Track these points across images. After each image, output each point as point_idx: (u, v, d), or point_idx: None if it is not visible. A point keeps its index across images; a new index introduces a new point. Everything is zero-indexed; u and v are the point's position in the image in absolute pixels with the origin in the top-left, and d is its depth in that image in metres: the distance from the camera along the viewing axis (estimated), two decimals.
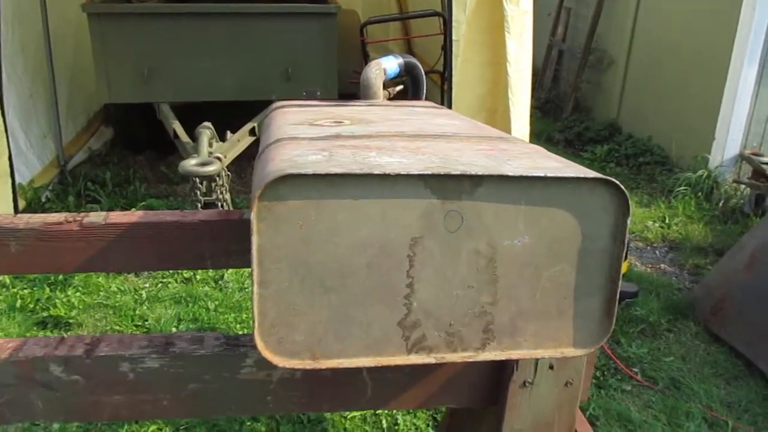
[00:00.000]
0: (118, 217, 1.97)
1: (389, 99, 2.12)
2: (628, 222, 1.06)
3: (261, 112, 4.24)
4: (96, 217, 1.97)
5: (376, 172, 0.96)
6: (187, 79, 4.21)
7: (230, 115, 4.19)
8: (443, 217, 1.02)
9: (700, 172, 4.52)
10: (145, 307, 3.25)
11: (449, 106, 4.72)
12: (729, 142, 4.55)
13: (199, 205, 3.40)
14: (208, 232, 1.95)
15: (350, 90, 5.25)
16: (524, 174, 1.01)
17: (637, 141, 5.65)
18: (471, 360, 1.09)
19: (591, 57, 6.43)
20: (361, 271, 1.02)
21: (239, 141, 3.85)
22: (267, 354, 1.01)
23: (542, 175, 1.02)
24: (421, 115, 1.73)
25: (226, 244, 1.98)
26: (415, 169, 0.98)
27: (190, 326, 3.09)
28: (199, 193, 3.39)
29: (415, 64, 2.18)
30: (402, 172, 0.97)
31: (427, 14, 4.04)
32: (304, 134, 1.31)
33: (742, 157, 4.56)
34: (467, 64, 3.69)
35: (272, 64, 4.27)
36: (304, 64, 4.31)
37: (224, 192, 3.47)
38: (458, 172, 0.99)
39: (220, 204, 3.45)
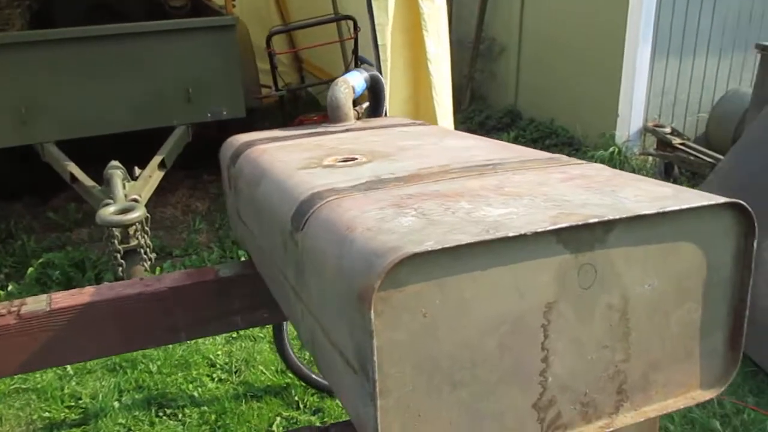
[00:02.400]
0: (64, 299, 1.64)
1: (358, 118, 1.91)
2: (755, 245, 0.95)
3: (167, 141, 3.86)
4: (36, 303, 1.62)
5: (512, 234, 0.78)
6: (75, 113, 3.72)
7: (123, 149, 3.75)
8: (577, 273, 0.86)
9: (611, 149, 4.67)
10: (74, 383, 2.82)
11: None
12: (633, 117, 4.74)
13: (119, 255, 3.00)
14: (178, 300, 1.67)
15: (254, 105, 4.96)
16: (659, 211, 0.87)
17: (540, 125, 5.78)
18: (608, 430, 0.94)
19: (481, 46, 6.50)
20: (493, 355, 0.83)
21: (150, 177, 3.45)
22: None
23: (676, 209, 0.88)
24: (427, 136, 1.54)
25: (203, 310, 1.71)
26: (546, 224, 0.81)
27: (136, 396, 2.71)
28: (116, 242, 2.99)
29: (378, 77, 1.99)
30: (536, 230, 0.79)
31: (336, 19, 3.84)
32: (336, 183, 1.09)
33: (646, 130, 4.76)
34: (391, 68, 3.53)
35: (170, 86, 3.88)
36: (205, 83, 3.96)
37: (145, 237, 3.09)
38: (594, 220, 0.83)
39: (142, 250, 3.07)
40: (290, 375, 2.81)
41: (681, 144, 4.39)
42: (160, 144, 3.84)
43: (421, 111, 3.79)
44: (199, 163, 5.09)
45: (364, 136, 1.62)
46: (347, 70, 5.28)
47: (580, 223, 0.82)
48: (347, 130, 1.71)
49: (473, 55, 6.51)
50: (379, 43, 3.47)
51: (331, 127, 1.78)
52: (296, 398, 2.67)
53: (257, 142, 1.60)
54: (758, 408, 2.52)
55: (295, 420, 2.55)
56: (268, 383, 2.79)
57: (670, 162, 4.47)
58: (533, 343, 0.85)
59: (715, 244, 0.94)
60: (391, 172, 1.14)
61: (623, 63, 4.67)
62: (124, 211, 2.80)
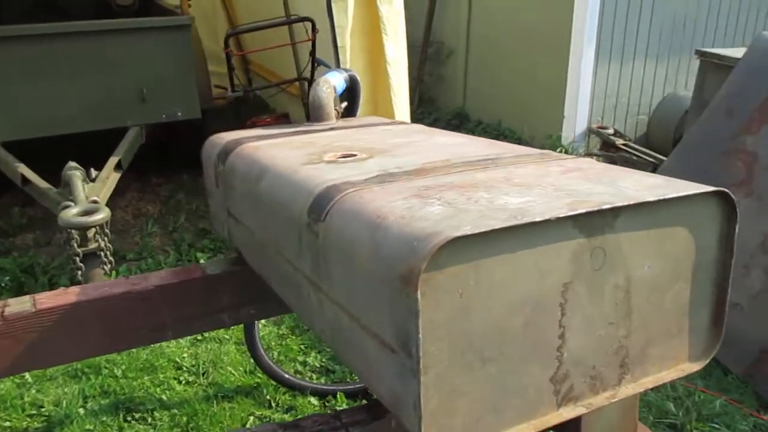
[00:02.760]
0: (49, 299, 1.62)
1: (339, 118, 1.95)
2: (736, 229, 1.05)
3: (122, 143, 3.78)
4: (20, 304, 1.60)
5: (538, 219, 0.84)
6: (24, 113, 3.60)
7: (73, 150, 3.64)
8: (590, 255, 0.93)
9: (558, 150, 4.86)
10: (34, 391, 2.73)
11: (307, 115, 4.58)
12: (578, 119, 4.95)
13: (78, 259, 2.93)
14: (165, 299, 1.67)
15: (206, 107, 4.90)
16: (658, 198, 0.95)
17: (488, 126, 5.94)
18: (613, 400, 1.02)
19: (430, 50, 6.63)
20: (518, 333, 0.90)
21: (107, 178, 3.38)
22: None
23: (674, 196, 0.97)
24: (414, 134, 1.60)
25: (189, 308, 1.71)
26: (564, 210, 0.88)
27: (102, 402, 2.66)
28: (76, 245, 2.92)
29: (356, 77, 2.04)
30: (557, 215, 0.86)
31: (295, 20, 3.85)
32: (348, 177, 1.13)
33: (590, 132, 4.98)
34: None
35: (123, 86, 3.81)
36: (160, 84, 3.90)
37: (105, 240, 3.02)
38: (607, 206, 0.90)
39: (102, 254, 3.01)
40: (260, 375, 2.82)
41: (623, 144, 4.62)
42: (110, 145, 3.76)
43: (380, 113, 3.85)
44: (148, 166, 5.00)
45: (352, 134, 1.66)
46: (300, 72, 5.30)
47: (594, 209, 0.89)
48: (332, 129, 1.75)
49: (422, 58, 6.62)
50: (339, 45, 3.51)
51: (315, 126, 1.81)
52: (268, 397, 2.67)
53: (246, 140, 1.62)
54: (707, 390, 2.70)
55: (268, 419, 2.56)
56: (238, 384, 2.78)
57: (613, 161, 4.69)
58: (552, 320, 0.92)
59: (703, 228, 1.04)
60: (398, 166, 1.19)
61: (569, 67, 4.88)
62: (87, 212, 2.73)
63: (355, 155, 1.34)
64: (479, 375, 0.88)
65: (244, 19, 6.04)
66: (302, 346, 3.05)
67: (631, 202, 0.93)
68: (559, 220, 0.87)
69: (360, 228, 0.93)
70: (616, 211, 0.93)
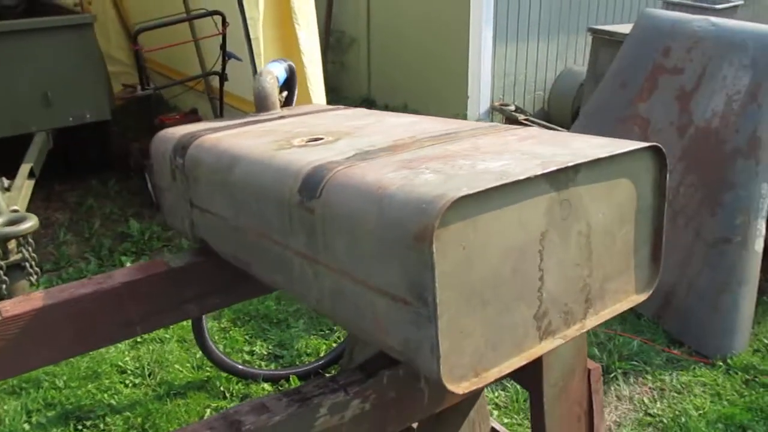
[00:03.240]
0: (14, 307, 1.61)
1: (282, 107, 2.02)
2: (667, 177, 1.24)
3: (30, 149, 3.61)
4: None
5: (522, 177, 0.98)
6: None
7: None
8: (559, 207, 1.08)
9: None
10: None
11: (220, 110, 4.56)
12: (481, 97, 5.22)
13: (1, 272, 2.81)
14: (133, 295, 1.70)
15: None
16: (609, 154, 1.12)
17: (394, 110, 6.11)
18: (582, 330, 1.19)
19: (331, 38, 6.70)
20: (508, 277, 1.03)
21: (23, 186, 3.23)
22: (452, 386, 0.97)
23: (620, 152, 1.14)
24: (364, 117, 1.71)
25: (156, 302, 1.74)
26: (540, 169, 1.02)
27: (48, 414, 2.59)
28: None
29: (294, 67, 2.11)
30: (534, 173, 1.00)
31: (205, 14, 3.80)
32: (329, 157, 1.22)
33: (494, 109, 5.27)
34: (264, 62, 3.61)
35: (26, 90, 3.64)
36: (65, 86, 3.75)
37: (29, 249, 2.91)
38: (571, 163, 1.06)
39: (27, 264, 2.90)
40: (209, 369, 2.84)
41: (525, 119, 4.93)
42: (15, 153, 3.58)
43: (298, 103, 3.90)
44: (47, 173, 4.79)
45: (306, 120, 1.74)
46: (208, 67, 5.22)
47: (561, 166, 1.04)
48: (282, 117, 1.83)
49: (324, 47, 6.68)
50: (252, 37, 3.53)
51: (263, 116, 1.87)
52: (221, 388, 2.71)
53: (202, 133, 1.66)
54: (624, 333, 3.00)
55: (224, 409, 2.59)
56: (188, 380, 2.79)
57: None
58: (533, 265, 1.07)
59: (642, 178, 1.22)
60: (371, 144, 1.30)
61: (469, 49, 5.12)
62: (13, 222, 2.63)
63: (322, 138, 1.43)
64: (480, 317, 1.01)
65: (139, 17, 5.86)
66: (247, 336, 3.09)
67: (589, 159, 1.09)
68: (535, 177, 1.01)
69: (362, 199, 1.03)
70: (577, 168, 1.09)
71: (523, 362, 1.08)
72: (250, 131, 1.64)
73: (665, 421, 2.49)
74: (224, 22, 3.80)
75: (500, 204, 0.99)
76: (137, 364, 2.91)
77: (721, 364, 2.77)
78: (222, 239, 1.58)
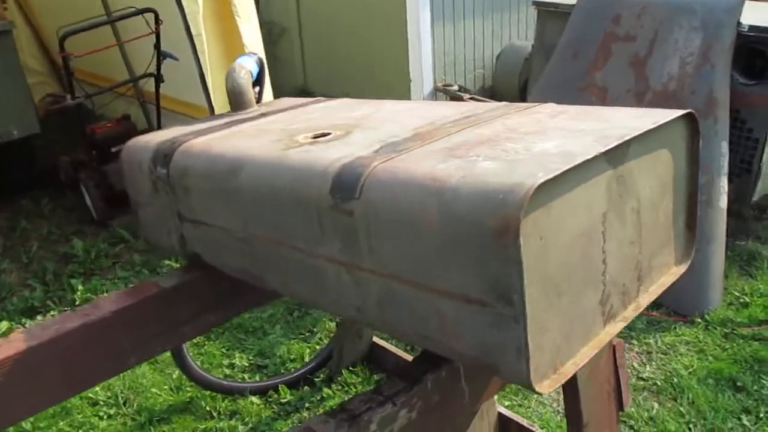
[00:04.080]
0: None
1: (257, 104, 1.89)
2: (700, 143, 1.21)
3: None
4: None
5: (590, 156, 0.92)
6: None
7: None
8: (616, 185, 1.03)
9: None
10: None
11: (157, 114, 4.31)
12: (424, 80, 5.16)
13: None
14: (125, 323, 1.55)
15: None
16: (656, 125, 1.07)
17: None
18: (638, 311, 1.14)
19: (261, 30, 6.46)
20: (578, 264, 0.97)
21: None
22: (538, 387, 0.90)
23: (664, 121, 1.09)
24: (358, 106, 1.60)
25: (150, 328, 1.60)
26: (600, 147, 0.96)
27: None
28: None
29: (263, 60, 1.98)
30: (598, 152, 0.94)
31: (136, 13, 3.55)
32: (354, 153, 1.12)
33: (437, 90, 5.23)
34: (208, 59, 3.42)
35: None
36: None
37: None
38: (627, 137, 1.00)
39: None
40: (189, 388, 2.67)
41: (470, 98, 4.92)
42: None
43: None
44: None
45: (295, 115, 1.63)
46: (132, 70, 4.93)
47: (619, 142, 0.99)
48: (264, 115, 1.70)
49: None
50: (194, 33, 3.33)
51: (242, 115, 1.74)
52: (207, 408, 2.55)
53: (184, 138, 1.52)
54: None
55: (214, 430, 2.45)
56: (168, 403, 2.62)
57: None
58: (598, 248, 1.01)
59: (677, 146, 1.19)
60: (392, 135, 1.20)
61: (408, 32, 5.05)
62: None
63: (329, 133, 1.32)
64: (557, 309, 0.94)
65: (50, 22, 5.46)
66: (223, 350, 2.93)
67: (641, 131, 1.03)
68: (597, 156, 0.95)
69: (417, 195, 0.94)
70: (629, 142, 1.03)
71: (594, 351, 1.02)
72: (241, 132, 1.51)
73: (658, 383, 2.53)
74: (157, 20, 3.58)
75: (570, 187, 0.92)
76: (109, 394, 2.71)
77: (699, 321, 2.84)
78: (224, 253, 1.44)
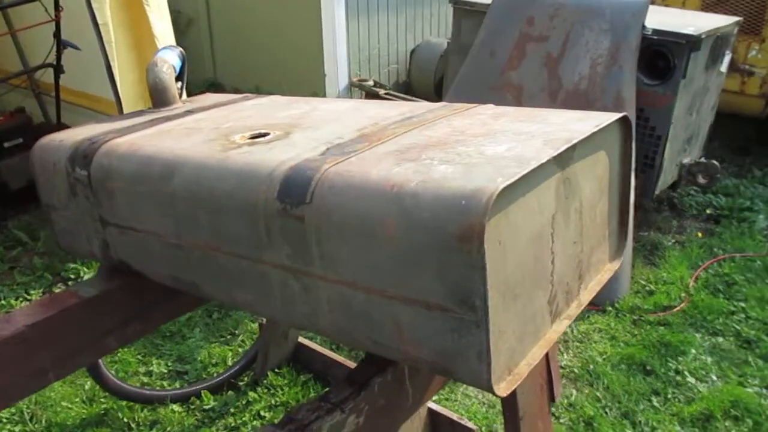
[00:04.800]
0: None
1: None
2: (633, 145, 1.26)
3: None
4: None
5: (543, 161, 0.93)
6: None
7: None
8: (563, 187, 1.05)
9: None
10: None
11: (57, 107, 4.04)
12: (339, 74, 5.12)
13: None
14: (42, 337, 1.44)
15: None
16: (598, 128, 1.10)
17: (247, 93, 5.82)
18: (580, 309, 1.18)
19: None
20: (530, 266, 0.99)
21: None
22: (498, 390, 0.91)
23: (606, 124, 1.12)
24: (290, 105, 1.56)
25: (71, 341, 1.49)
26: (552, 151, 0.98)
27: None
28: None
29: (185, 54, 1.89)
30: (551, 155, 0.96)
31: None
32: (299, 155, 1.09)
33: (352, 85, 5.19)
34: (116, 50, 3.22)
35: None
36: None
37: None
38: (575, 141, 1.02)
39: None
40: (102, 399, 2.52)
41: (386, 93, 4.93)
42: None
43: None
44: None
45: (224, 114, 1.56)
46: (26, 60, 4.58)
47: (568, 145, 1.01)
48: (190, 112, 1.62)
49: None
50: (101, 22, 3.13)
51: (166, 111, 1.65)
52: (124, 419, 2.42)
53: (106, 137, 1.42)
54: None
55: None
56: (82, 417, 2.46)
57: None
58: (547, 249, 1.03)
59: (612, 148, 1.23)
60: (336, 136, 1.18)
61: (322, 26, 4.99)
62: None
63: (268, 134, 1.27)
64: (512, 312, 0.95)
65: None
66: (139, 357, 2.79)
67: (586, 135, 1.06)
68: (549, 159, 0.97)
69: (373, 200, 0.92)
70: (574, 145, 1.06)
71: (544, 350, 1.05)
72: (169, 130, 1.43)
73: (576, 370, 2.65)
74: (57, 7, 3.33)
75: (525, 191, 0.94)
76: (12, 410, 2.51)
77: (610, 309, 2.99)
78: (153, 259, 1.36)
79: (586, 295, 1.20)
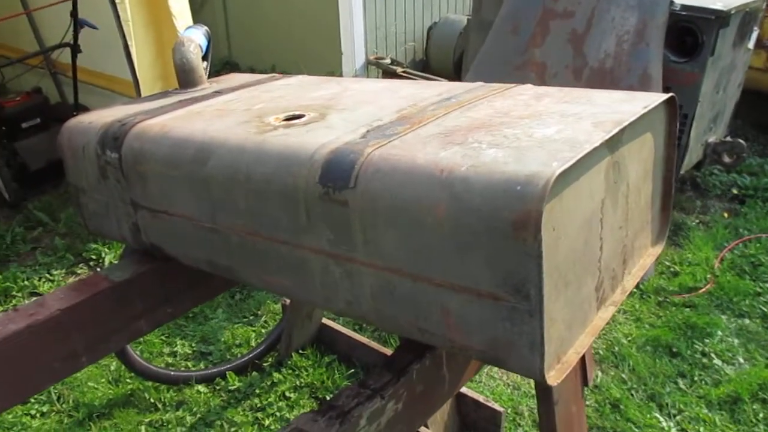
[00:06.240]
0: None
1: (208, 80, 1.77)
2: (677, 125, 1.23)
3: None
4: None
5: (597, 145, 0.90)
6: None
7: None
8: (612, 171, 1.02)
9: None
10: None
11: (74, 87, 4.01)
12: (356, 53, 5.06)
13: None
14: (75, 322, 1.43)
15: None
16: (647, 110, 1.06)
17: (262, 73, 5.78)
18: (625, 295, 1.15)
19: None
20: (581, 252, 0.96)
21: None
22: (549, 380, 0.89)
23: (654, 105, 1.09)
24: (322, 84, 1.52)
25: (103, 325, 1.49)
26: (603, 134, 0.94)
27: None
28: None
29: (210, 33, 1.86)
30: (603, 138, 0.92)
31: None
32: (339, 137, 1.06)
33: (369, 63, 5.14)
34: (132, 29, 3.18)
35: None
36: None
37: None
38: (625, 123, 0.99)
39: None
40: (129, 380, 2.54)
41: (403, 71, 4.87)
42: None
43: (170, 71, 3.51)
44: None
45: (255, 94, 1.53)
46: (42, 40, 4.57)
47: (619, 128, 0.97)
48: (219, 93, 1.59)
49: None
50: (117, 1, 3.09)
51: (194, 92, 1.63)
52: (151, 400, 2.43)
53: (136, 119, 1.40)
54: None
55: (160, 422, 2.34)
56: (108, 397, 2.48)
57: None
58: (596, 235, 1.00)
59: (658, 130, 1.19)
60: (375, 118, 1.15)
61: (339, 2, 4.92)
62: None
63: (303, 115, 1.25)
64: (563, 299, 0.93)
65: None
66: (163, 337, 2.80)
67: (636, 116, 1.03)
68: (602, 143, 0.93)
69: (422, 186, 0.89)
70: (624, 127, 1.02)
71: (591, 338, 1.02)
72: (199, 112, 1.40)
73: (601, 352, 2.63)
74: None
75: (577, 175, 0.91)
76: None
77: (635, 290, 2.96)
78: (187, 243, 1.35)
79: (631, 281, 1.18)
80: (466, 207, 0.84)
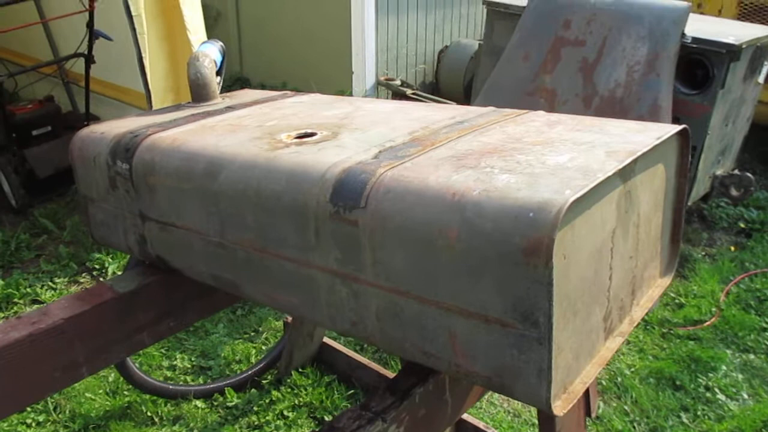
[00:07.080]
0: None
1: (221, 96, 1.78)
2: (689, 157, 1.22)
3: None
4: None
5: (609, 174, 0.89)
6: None
7: None
8: (623, 200, 1.02)
9: None
10: None
11: (86, 97, 4.04)
12: (367, 73, 5.10)
13: None
14: (78, 331, 1.42)
15: None
16: (660, 140, 1.06)
17: (272, 89, 5.82)
18: (633, 326, 1.14)
19: None
20: (591, 281, 0.95)
21: None
22: (556, 409, 0.88)
23: (668, 136, 1.09)
24: (334, 104, 1.53)
25: (105, 335, 1.48)
26: (616, 163, 0.94)
27: None
28: None
29: (225, 48, 1.87)
30: (616, 168, 0.92)
31: None
32: (351, 157, 1.06)
33: (379, 84, 5.17)
34: (147, 41, 3.22)
35: None
36: None
37: None
38: (639, 154, 0.99)
39: None
40: (126, 392, 2.52)
41: (413, 93, 4.90)
42: None
43: (182, 84, 3.54)
44: None
45: (266, 111, 1.54)
46: (56, 49, 4.61)
47: (632, 158, 0.97)
48: (231, 108, 1.60)
49: None
50: (134, 13, 3.13)
51: (206, 106, 1.64)
52: (148, 413, 2.41)
53: (148, 131, 1.41)
54: None
55: None
56: (105, 409, 2.46)
57: None
58: (606, 264, 1.00)
59: (670, 161, 1.19)
60: (387, 139, 1.15)
61: (351, 24, 4.96)
62: None
63: (315, 134, 1.25)
64: (571, 328, 0.92)
65: None
66: (163, 350, 2.78)
67: (648, 148, 1.02)
68: (615, 172, 0.93)
69: (433, 208, 0.89)
70: (637, 158, 1.02)
71: (598, 369, 1.01)
72: (212, 126, 1.41)
73: (603, 382, 2.60)
74: None
75: (590, 204, 0.90)
76: None
77: (639, 321, 2.94)
78: (193, 257, 1.34)
79: (639, 312, 1.17)
80: (477, 231, 0.84)
